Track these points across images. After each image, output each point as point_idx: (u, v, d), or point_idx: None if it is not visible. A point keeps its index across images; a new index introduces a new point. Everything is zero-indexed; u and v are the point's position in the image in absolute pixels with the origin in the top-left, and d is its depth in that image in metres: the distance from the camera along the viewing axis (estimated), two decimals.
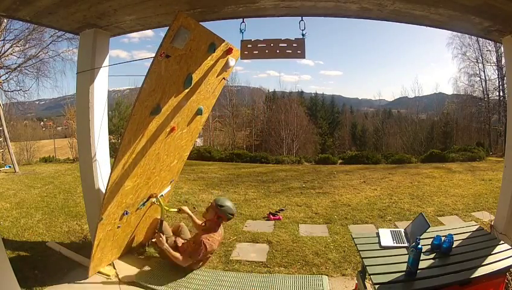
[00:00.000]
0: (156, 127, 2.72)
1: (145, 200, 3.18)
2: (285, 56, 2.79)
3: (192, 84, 2.86)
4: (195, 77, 2.86)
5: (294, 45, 2.77)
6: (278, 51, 2.79)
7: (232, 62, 3.20)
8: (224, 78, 3.46)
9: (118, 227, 2.96)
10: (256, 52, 2.80)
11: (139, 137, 2.58)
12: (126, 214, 2.94)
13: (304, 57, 2.78)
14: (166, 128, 2.88)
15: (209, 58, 2.89)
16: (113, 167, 2.49)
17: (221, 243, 3.75)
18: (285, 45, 2.78)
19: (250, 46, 2.79)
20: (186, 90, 2.86)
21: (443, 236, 2.25)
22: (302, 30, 2.74)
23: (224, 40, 2.90)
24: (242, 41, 2.79)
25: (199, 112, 3.32)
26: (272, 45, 2.79)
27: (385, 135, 28.69)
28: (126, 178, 2.67)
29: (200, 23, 2.56)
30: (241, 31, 2.78)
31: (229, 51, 3.07)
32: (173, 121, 2.92)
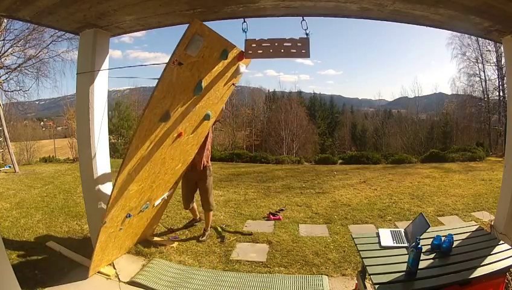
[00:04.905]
0: (163, 133, 2.71)
1: (148, 202, 3.17)
2: (289, 55, 2.77)
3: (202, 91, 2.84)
4: (205, 83, 2.82)
5: (298, 44, 2.75)
6: (282, 50, 2.77)
7: (242, 68, 3.18)
8: (233, 83, 3.44)
9: (120, 229, 2.96)
10: (261, 51, 2.79)
11: (146, 143, 2.56)
12: (129, 216, 2.94)
13: (309, 56, 2.77)
14: (174, 133, 2.87)
15: (220, 64, 2.86)
16: (119, 172, 2.46)
17: (221, 243, 3.77)
18: (290, 44, 2.76)
19: (255, 45, 2.78)
20: (195, 97, 2.84)
21: (443, 236, 2.25)
22: (306, 30, 2.72)
23: (235, 46, 2.87)
24: (246, 40, 2.78)
25: (207, 117, 3.29)
26: (276, 44, 2.77)
27: (385, 135, 28.68)
28: (131, 182, 2.66)
29: None
30: (243, 30, 2.77)
31: (239, 56, 3.02)
32: (181, 126, 2.90)
